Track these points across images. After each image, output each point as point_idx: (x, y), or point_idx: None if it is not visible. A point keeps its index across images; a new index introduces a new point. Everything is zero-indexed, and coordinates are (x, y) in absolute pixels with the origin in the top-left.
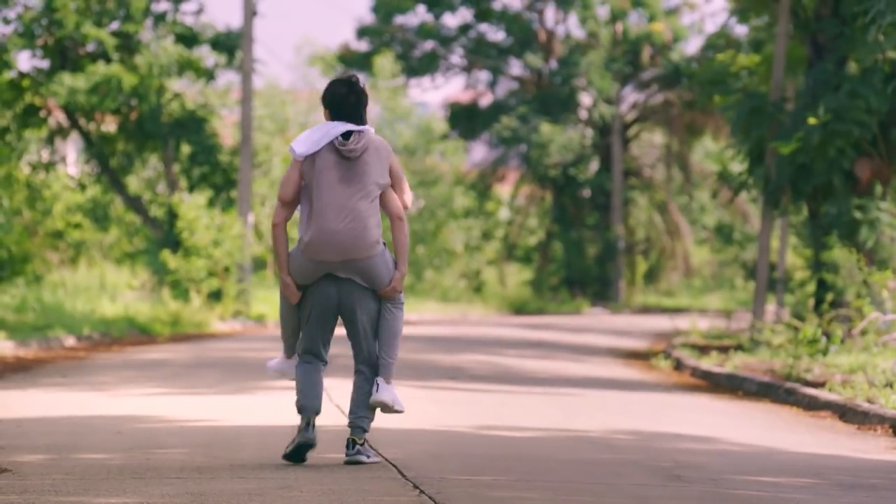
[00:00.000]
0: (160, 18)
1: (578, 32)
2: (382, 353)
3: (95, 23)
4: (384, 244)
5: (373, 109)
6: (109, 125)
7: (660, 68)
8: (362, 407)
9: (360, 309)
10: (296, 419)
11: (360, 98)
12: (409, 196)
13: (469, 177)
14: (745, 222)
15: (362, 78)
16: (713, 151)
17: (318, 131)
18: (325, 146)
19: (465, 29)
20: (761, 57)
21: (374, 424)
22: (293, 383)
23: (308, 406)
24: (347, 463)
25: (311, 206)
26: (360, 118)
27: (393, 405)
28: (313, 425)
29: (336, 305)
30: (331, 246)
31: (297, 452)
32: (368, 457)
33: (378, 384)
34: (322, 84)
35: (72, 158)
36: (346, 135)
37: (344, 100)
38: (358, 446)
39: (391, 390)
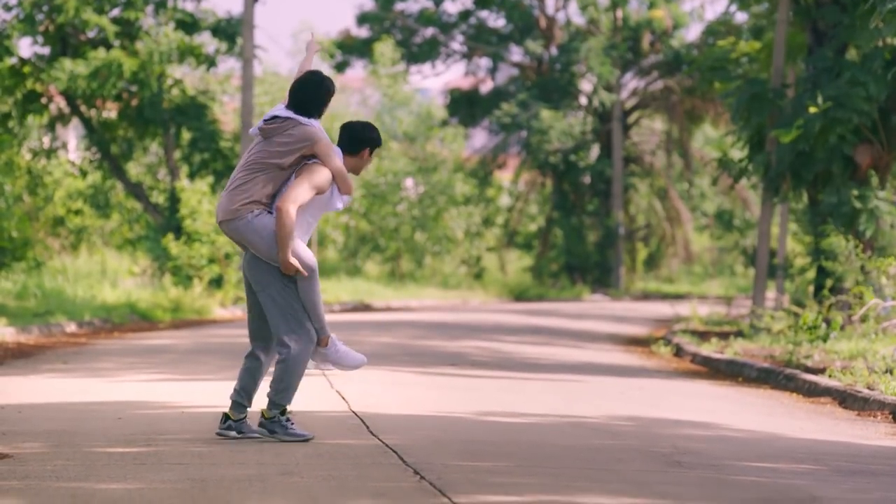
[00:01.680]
0: (161, 5)
1: (579, 19)
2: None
3: (96, 9)
4: (258, 213)
5: (373, 96)
6: (110, 111)
7: (660, 55)
8: (246, 388)
9: (256, 281)
10: (298, 405)
11: (295, 95)
12: (297, 193)
13: (469, 163)
14: (745, 209)
15: (362, 64)
16: (713, 138)
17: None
18: (257, 127)
19: (465, 15)
20: (762, 44)
21: (375, 410)
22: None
23: (233, 401)
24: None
25: None
26: (300, 108)
27: (335, 362)
28: (226, 415)
29: (246, 275)
30: (216, 209)
31: (221, 435)
32: (241, 432)
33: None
34: (325, 69)
35: (73, 145)
36: (272, 118)
37: (293, 88)
38: (230, 421)
39: (328, 351)
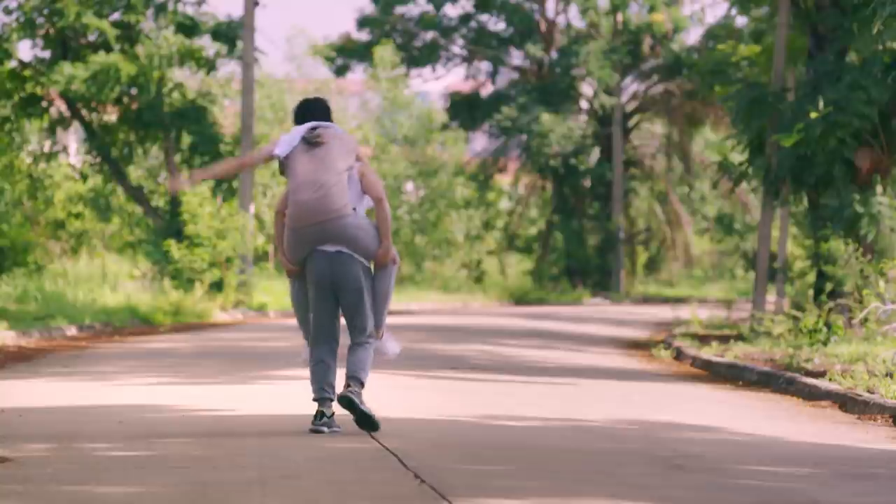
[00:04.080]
0: (161, 8)
1: (579, 23)
2: (381, 314)
3: (96, 13)
4: (355, 211)
5: (373, 100)
6: (111, 115)
7: (660, 59)
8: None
9: (353, 279)
10: (299, 408)
11: (323, 106)
12: (382, 187)
13: (469, 167)
14: (745, 212)
15: (362, 67)
16: (714, 141)
17: (293, 133)
18: (299, 140)
19: (465, 19)
20: (762, 47)
21: (375, 414)
22: (293, 371)
23: (322, 398)
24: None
25: (289, 188)
26: (329, 118)
27: (385, 353)
28: (323, 413)
29: (330, 278)
30: (304, 213)
31: (315, 431)
32: (332, 428)
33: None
34: (320, 73)
35: (73, 148)
36: (314, 128)
37: (310, 108)
38: (325, 418)
39: (384, 343)
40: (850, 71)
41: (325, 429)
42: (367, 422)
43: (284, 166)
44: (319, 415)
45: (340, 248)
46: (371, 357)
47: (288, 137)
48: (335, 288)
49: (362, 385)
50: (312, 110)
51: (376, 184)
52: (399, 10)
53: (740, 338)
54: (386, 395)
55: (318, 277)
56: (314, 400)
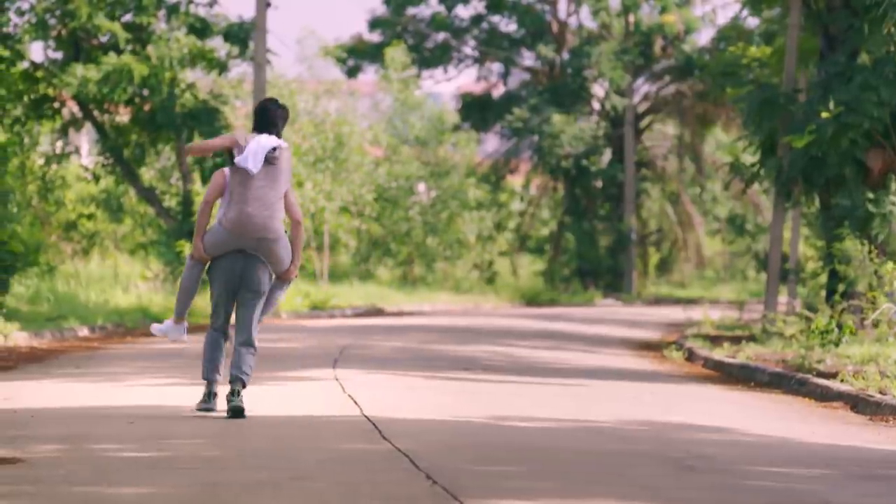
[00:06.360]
0: (173, 10)
1: (591, 24)
2: (262, 315)
3: (108, 14)
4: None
5: (385, 101)
6: (123, 116)
7: (672, 59)
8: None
9: (263, 285)
10: (311, 409)
11: (285, 118)
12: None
13: (481, 168)
14: (757, 213)
15: (374, 68)
16: (725, 142)
17: (258, 147)
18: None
19: (477, 20)
20: (773, 49)
21: (387, 415)
22: (305, 372)
23: (212, 378)
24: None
25: (235, 194)
26: (279, 133)
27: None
28: (215, 394)
29: (239, 277)
30: (249, 226)
31: (206, 410)
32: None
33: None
34: (331, 74)
35: (85, 150)
36: (275, 148)
37: (276, 119)
38: (239, 396)
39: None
40: (862, 72)
41: (215, 409)
42: (240, 414)
43: (237, 169)
44: (209, 395)
45: (257, 254)
46: (254, 361)
47: (256, 152)
48: (240, 284)
49: (244, 385)
50: (277, 122)
51: (297, 206)
52: (411, 11)
53: (752, 339)
54: (397, 395)
55: (229, 273)
56: (205, 378)
